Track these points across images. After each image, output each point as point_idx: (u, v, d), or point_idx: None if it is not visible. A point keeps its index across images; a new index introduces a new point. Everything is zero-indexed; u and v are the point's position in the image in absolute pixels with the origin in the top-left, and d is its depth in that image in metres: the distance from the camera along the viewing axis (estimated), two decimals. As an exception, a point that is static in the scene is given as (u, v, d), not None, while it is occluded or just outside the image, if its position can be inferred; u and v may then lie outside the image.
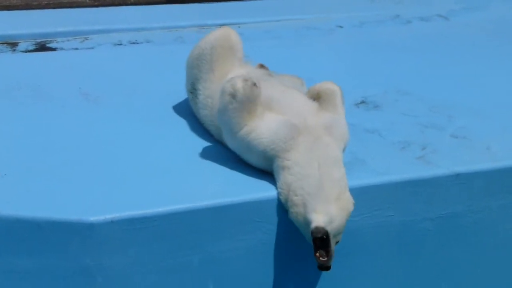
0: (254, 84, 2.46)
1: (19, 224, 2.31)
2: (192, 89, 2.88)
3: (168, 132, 2.87)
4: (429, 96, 3.26)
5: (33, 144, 2.73)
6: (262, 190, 2.46)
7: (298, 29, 4.20)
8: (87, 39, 3.91)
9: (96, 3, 4.58)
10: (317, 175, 2.37)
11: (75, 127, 2.90)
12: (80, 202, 2.37)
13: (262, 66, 3.01)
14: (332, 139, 2.50)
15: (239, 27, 4.03)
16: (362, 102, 3.20)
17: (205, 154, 2.69)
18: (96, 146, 2.74)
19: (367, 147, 2.76)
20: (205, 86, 2.80)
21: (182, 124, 2.94)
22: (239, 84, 2.44)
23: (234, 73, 2.66)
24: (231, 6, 4.65)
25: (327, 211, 2.29)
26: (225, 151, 2.66)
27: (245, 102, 2.45)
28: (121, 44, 3.86)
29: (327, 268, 2.29)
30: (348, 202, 2.37)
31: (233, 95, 2.45)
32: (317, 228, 2.25)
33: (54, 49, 3.77)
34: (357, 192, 2.45)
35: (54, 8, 4.47)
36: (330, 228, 2.27)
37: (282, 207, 2.43)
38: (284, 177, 2.42)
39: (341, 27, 4.29)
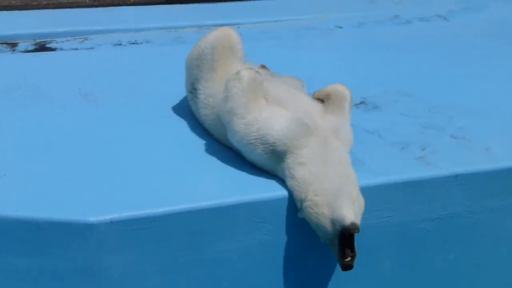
0: (257, 72, 2.54)
1: (19, 225, 2.31)
2: (192, 89, 2.88)
3: (168, 132, 2.87)
4: (428, 97, 3.26)
5: (33, 145, 2.73)
6: (262, 191, 2.46)
7: (297, 30, 4.20)
8: (87, 39, 3.91)
9: (95, 3, 4.58)
10: (337, 176, 2.38)
11: (74, 127, 2.90)
12: (80, 203, 2.37)
13: (263, 67, 3.01)
14: (339, 142, 2.52)
15: (238, 27, 4.03)
16: (362, 102, 3.20)
17: (205, 154, 2.69)
18: (95, 146, 2.74)
19: (366, 148, 2.76)
20: (206, 85, 2.79)
21: (181, 124, 2.94)
22: (244, 71, 2.53)
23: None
24: (230, 6, 4.65)
25: (354, 209, 2.30)
26: (225, 151, 2.66)
27: (250, 83, 2.50)
28: (120, 45, 3.86)
29: (351, 267, 2.29)
30: (363, 202, 2.39)
31: (239, 79, 2.51)
32: (353, 224, 2.25)
33: (53, 49, 3.77)
34: (356, 193, 2.45)
35: (53, 8, 4.47)
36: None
37: (282, 207, 2.44)
38: (302, 175, 2.40)
39: (340, 27, 4.30)
